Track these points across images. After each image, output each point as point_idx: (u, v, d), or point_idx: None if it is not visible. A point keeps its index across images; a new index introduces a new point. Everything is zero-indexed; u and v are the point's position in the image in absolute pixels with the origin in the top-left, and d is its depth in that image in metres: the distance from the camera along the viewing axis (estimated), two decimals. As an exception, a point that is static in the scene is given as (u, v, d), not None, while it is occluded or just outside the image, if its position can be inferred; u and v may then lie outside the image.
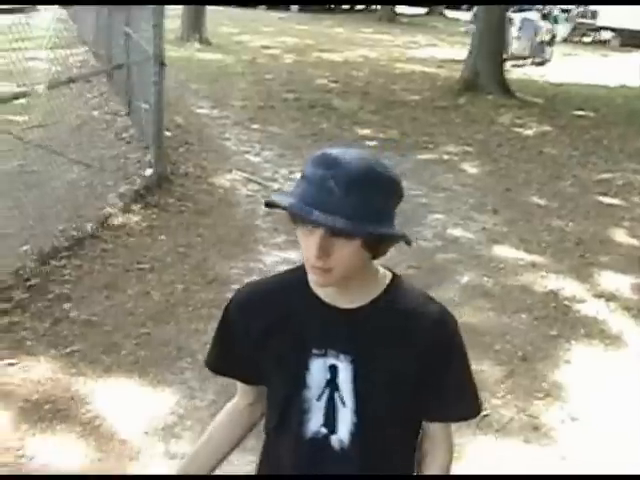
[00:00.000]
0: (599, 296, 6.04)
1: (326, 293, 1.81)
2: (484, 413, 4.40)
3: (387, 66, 18.56)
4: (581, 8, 34.80)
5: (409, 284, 1.91)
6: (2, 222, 6.19)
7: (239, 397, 2.07)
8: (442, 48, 21.83)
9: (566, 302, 5.90)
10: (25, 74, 7.16)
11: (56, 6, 12.60)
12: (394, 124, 11.64)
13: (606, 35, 33.48)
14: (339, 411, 1.82)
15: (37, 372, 4.49)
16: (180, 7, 20.14)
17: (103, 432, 4.02)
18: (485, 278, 6.22)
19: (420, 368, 1.82)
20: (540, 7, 26.86)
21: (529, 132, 11.92)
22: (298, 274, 1.81)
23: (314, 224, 1.62)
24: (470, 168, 9.68)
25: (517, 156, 10.34)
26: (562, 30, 29.83)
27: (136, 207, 6.95)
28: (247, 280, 2.34)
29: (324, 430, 1.84)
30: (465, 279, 6.20)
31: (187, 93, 12.60)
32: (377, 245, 1.71)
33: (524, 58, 21.13)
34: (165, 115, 8.16)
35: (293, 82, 14.34)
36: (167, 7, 8.15)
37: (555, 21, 27.31)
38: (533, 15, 23.48)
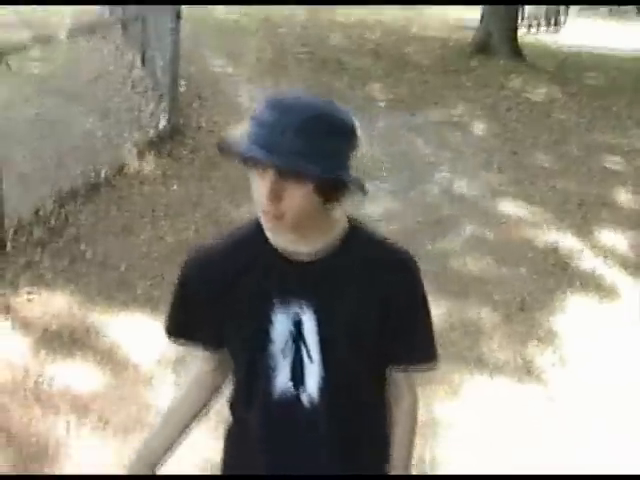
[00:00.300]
0: (597, 253, 6.23)
1: (284, 244, 1.77)
2: (480, 354, 4.65)
3: (400, 29, 18.60)
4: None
5: (369, 230, 1.88)
6: (21, 167, 6.39)
7: (201, 364, 2.03)
8: (456, 10, 21.79)
9: (565, 257, 6.10)
10: (43, 25, 7.34)
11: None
12: (405, 85, 11.76)
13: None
14: (306, 366, 1.79)
15: (55, 305, 4.74)
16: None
17: (118, 360, 4.26)
18: (488, 232, 6.43)
19: (382, 313, 1.79)
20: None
21: (538, 97, 12.01)
22: (253, 228, 1.78)
23: (264, 166, 1.60)
24: (478, 129, 9.83)
25: (525, 120, 10.46)
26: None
27: (150, 156, 7.16)
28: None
29: (291, 387, 1.81)
30: (468, 232, 6.40)
31: (201, 48, 12.71)
32: (330, 190, 1.66)
33: (538, 23, 21.09)
34: (179, 69, 8.33)
35: (306, 41, 14.42)
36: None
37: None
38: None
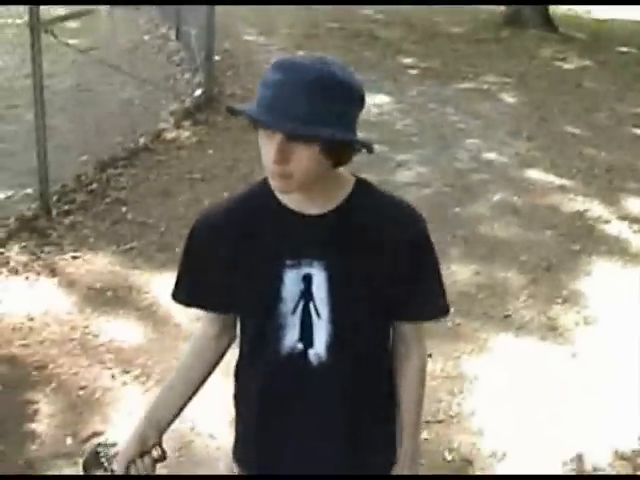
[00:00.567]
0: (623, 218, 6.33)
1: (293, 201, 1.78)
2: (507, 313, 4.81)
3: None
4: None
5: (376, 187, 1.89)
6: (63, 135, 6.64)
7: (207, 327, 2.03)
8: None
9: (591, 222, 6.22)
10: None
11: None
12: (436, 54, 11.84)
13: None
14: (315, 324, 1.80)
15: (99, 265, 4.97)
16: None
17: (159, 316, 4.48)
18: (515, 197, 6.56)
19: (392, 268, 1.81)
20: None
21: (569, 66, 12.04)
22: (263, 188, 1.78)
23: (272, 128, 1.61)
24: (508, 98, 9.91)
25: (555, 88, 10.50)
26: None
27: (186, 124, 7.38)
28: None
29: (300, 345, 1.82)
30: (496, 197, 6.54)
31: (234, 20, 12.86)
32: (337, 151, 1.67)
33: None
34: (214, 41, 8.51)
35: (338, 12, 14.50)
36: None
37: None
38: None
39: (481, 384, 4.13)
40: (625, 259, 5.64)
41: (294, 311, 1.80)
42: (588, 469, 3.57)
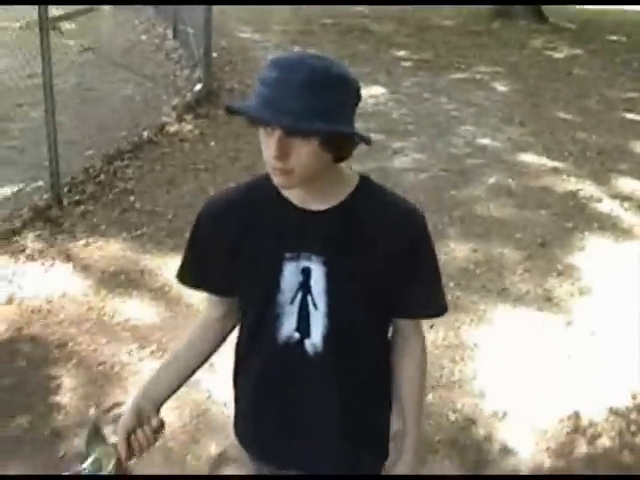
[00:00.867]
0: (614, 197, 6.54)
1: (296, 196, 1.81)
2: (504, 286, 5.01)
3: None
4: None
5: (378, 185, 1.91)
6: (68, 131, 6.81)
7: (210, 310, 2.06)
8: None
9: (583, 201, 6.42)
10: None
11: None
12: (428, 47, 12.06)
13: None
14: (312, 315, 1.83)
15: (111, 250, 5.16)
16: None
17: (171, 297, 4.67)
18: (510, 180, 6.76)
19: (390, 266, 1.83)
20: None
21: (560, 55, 12.26)
22: (266, 180, 1.78)
23: (270, 125, 1.63)
24: (500, 86, 10.13)
25: (546, 76, 10.73)
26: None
27: (188, 117, 7.59)
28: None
29: (297, 335, 1.86)
30: (491, 180, 6.75)
31: (229, 19, 13.06)
32: (336, 145, 1.69)
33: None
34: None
35: (331, 9, 14.70)
36: None
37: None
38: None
39: (481, 351, 4.32)
40: (617, 235, 5.84)
41: (292, 301, 1.83)
42: (584, 424, 3.77)
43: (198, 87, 8.24)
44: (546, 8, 15.42)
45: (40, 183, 5.78)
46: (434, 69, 10.63)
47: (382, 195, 1.89)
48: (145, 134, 6.95)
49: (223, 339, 2.08)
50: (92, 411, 3.71)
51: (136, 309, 4.56)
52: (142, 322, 4.44)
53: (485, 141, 7.84)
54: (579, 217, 6.11)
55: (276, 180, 1.71)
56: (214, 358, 2.10)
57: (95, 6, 7.71)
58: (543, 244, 5.61)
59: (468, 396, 3.95)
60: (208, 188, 6.11)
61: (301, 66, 1.61)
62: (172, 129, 7.26)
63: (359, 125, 1.76)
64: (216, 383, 3.69)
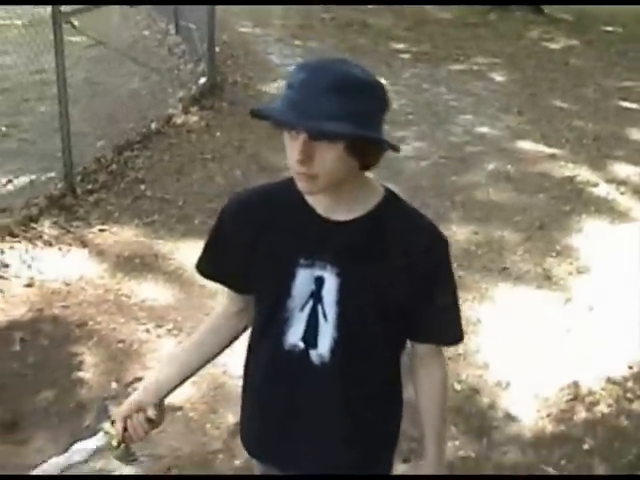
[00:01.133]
0: (610, 182, 6.73)
1: (320, 204, 1.78)
2: (504, 266, 5.20)
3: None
4: None
5: (404, 201, 1.87)
6: (77, 124, 6.96)
7: (227, 304, 2.05)
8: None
9: (580, 185, 6.62)
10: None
11: None
12: (426, 39, 12.22)
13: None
14: (320, 325, 1.81)
15: (124, 236, 5.35)
16: None
17: (185, 279, 4.85)
18: (508, 166, 6.95)
19: (408, 288, 1.80)
20: None
21: (556, 46, 12.42)
22: (293, 184, 1.74)
23: (295, 128, 1.61)
24: (498, 77, 10.31)
25: (543, 67, 10.89)
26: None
27: (194, 109, 7.77)
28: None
29: (302, 344, 1.83)
30: (490, 167, 6.95)
31: (230, 14, 13.20)
32: (362, 151, 1.66)
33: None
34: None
35: (329, 8, 14.83)
36: None
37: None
38: None
39: (484, 327, 4.51)
40: (613, 217, 6.03)
41: (302, 309, 1.81)
42: (583, 392, 3.96)
43: (202, 80, 8.42)
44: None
45: (53, 174, 5.95)
46: (432, 61, 10.80)
47: (409, 211, 1.87)
48: (153, 126, 7.13)
49: (237, 334, 2.06)
50: (114, 385, 3.89)
51: (152, 290, 4.74)
52: (158, 303, 4.62)
53: (484, 129, 8.03)
54: (576, 201, 6.29)
55: (300, 185, 1.70)
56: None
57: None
58: (542, 226, 5.79)
59: (472, 368, 4.14)
60: (215, 176, 6.31)
61: (328, 70, 1.60)
62: (179, 121, 7.44)
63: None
64: (232, 359, 3.85)
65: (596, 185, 6.63)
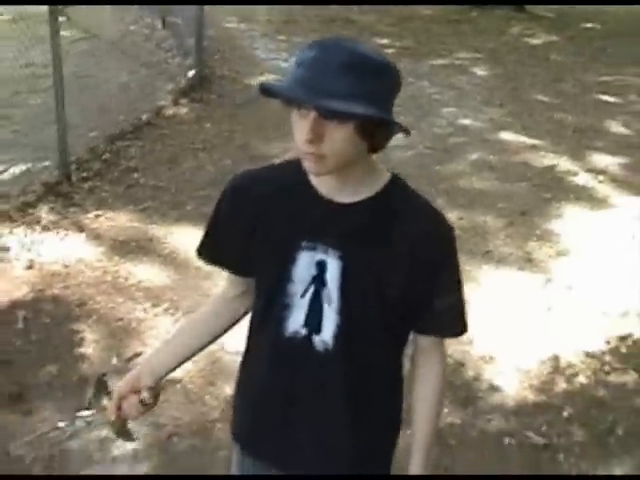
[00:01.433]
0: (590, 171, 6.94)
1: (325, 185, 1.75)
2: (487, 249, 5.40)
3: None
4: None
5: (410, 187, 1.83)
6: (70, 116, 7.10)
7: (227, 287, 2.02)
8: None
9: (560, 174, 6.83)
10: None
11: None
12: (410, 35, 12.43)
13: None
14: (324, 311, 1.77)
15: (120, 221, 5.51)
16: None
17: (180, 261, 5.01)
18: (491, 156, 7.16)
19: (411, 274, 1.75)
20: None
21: (537, 41, 12.65)
22: (298, 165, 1.71)
23: (305, 106, 1.56)
24: (480, 71, 10.53)
25: (524, 62, 11.12)
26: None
27: (183, 101, 7.97)
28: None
29: (304, 331, 1.79)
30: (474, 157, 7.15)
31: (215, 10, 13.33)
32: (372, 132, 1.62)
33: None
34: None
35: (313, 6, 15.01)
36: None
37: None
38: None
39: (469, 305, 4.66)
40: (592, 204, 6.24)
41: (303, 294, 1.77)
42: (563, 365, 4.16)
43: (191, 73, 8.59)
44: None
45: (48, 163, 6.11)
46: (416, 55, 10.99)
47: (413, 198, 1.82)
48: (144, 117, 7.29)
49: (238, 317, 2.03)
50: (114, 361, 4.05)
51: (148, 272, 4.90)
52: (154, 284, 4.78)
53: (466, 121, 8.24)
54: (557, 189, 6.50)
55: (307, 165, 1.65)
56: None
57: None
58: (523, 213, 5.99)
59: (458, 343, 4.30)
60: (206, 165, 6.49)
61: (341, 48, 1.56)
62: (169, 112, 7.62)
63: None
64: (228, 334, 4.03)
65: (576, 174, 6.83)
